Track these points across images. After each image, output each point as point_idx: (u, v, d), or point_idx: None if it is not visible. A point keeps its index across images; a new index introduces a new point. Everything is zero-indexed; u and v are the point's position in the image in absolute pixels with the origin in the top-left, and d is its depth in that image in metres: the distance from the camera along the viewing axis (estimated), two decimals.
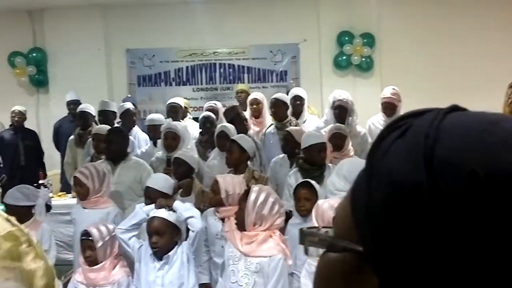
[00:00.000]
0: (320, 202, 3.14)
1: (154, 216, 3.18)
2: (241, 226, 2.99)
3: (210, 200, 3.79)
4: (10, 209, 3.80)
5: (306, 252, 0.55)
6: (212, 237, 3.79)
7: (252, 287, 2.90)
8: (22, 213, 3.85)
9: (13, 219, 0.75)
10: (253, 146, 4.55)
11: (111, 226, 3.34)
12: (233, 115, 5.44)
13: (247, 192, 3.03)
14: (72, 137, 6.07)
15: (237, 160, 4.32)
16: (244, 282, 2.91)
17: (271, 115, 5.78)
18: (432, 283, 0.46)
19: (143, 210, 3.31)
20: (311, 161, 4.29)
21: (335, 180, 3.62)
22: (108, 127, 5.30)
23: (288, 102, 5.63)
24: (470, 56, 7.95)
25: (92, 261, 3.21)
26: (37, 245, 0.75)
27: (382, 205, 0.49)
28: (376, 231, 0.49)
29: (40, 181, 6.11)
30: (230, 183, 3.68)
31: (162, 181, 3.92)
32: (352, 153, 4.82)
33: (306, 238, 0.56)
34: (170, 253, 3.16)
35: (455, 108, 0.54)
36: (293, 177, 4.30)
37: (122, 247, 3.29)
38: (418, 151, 0.49)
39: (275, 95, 5.71)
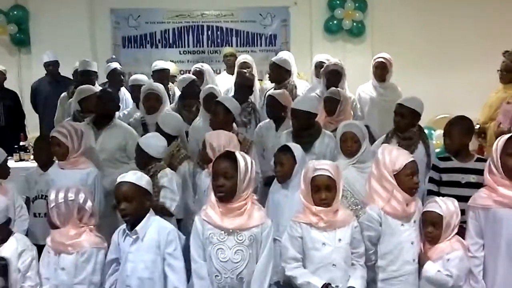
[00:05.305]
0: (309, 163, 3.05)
1: (122, 181, 2.94)
2: (228, 196, 2.77)
3: (200, 156, 3.86)
4: None
5: None
6: (201, 194, 3.75)
7: (247, 261, 2.78)
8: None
9: None
10: (238, 107, 4.42)
11: (72, 193, 3.00)
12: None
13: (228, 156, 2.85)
14: (64, 94, 5.94)
15: (222, 121, 4.17)
16: (239, 258, 2.76)
17: (269, 78, 5.71)
18: None
19: None
20: (298, 124, 4.20)
21: None
22: (93, 87, 5.19)
23: (287, 65, 5.53)
24: (466, 24, 7.78)
25: (49, 223, 3.04)
26: None
27: None
28: None
29: (21, 143, 5.99)
30: (216, 137, 3.70)
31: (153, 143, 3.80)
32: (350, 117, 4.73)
33: None
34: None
35: None
36: (284, 138, 4.21)
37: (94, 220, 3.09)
38: None
39: (273, 58, 5.71)
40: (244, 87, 5.16)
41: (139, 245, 2.91)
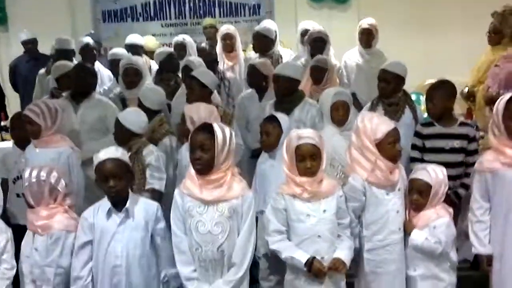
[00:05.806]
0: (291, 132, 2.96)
1: (107, 158, 2.82)
2: (206, 169, 2.70)
3: (179, 130, 3.80)
4: None
5: None
6: (183, 168, 3.62)
7: (228, 233, 2.71)
8: None
9: None
10: (215, 81, 4.29)
11: (44, 172, 2.90)
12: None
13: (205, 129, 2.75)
14: (42, 71, 5.79)
15: (199, 96, 4.03)
16: (219, 230, 2.69)
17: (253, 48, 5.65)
18: None
19: None
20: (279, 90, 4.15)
21: None
22: (70, 63, 5.05)
23: (271, 34, 5.50)
24: None
25: (26, 202, 2.95)
26: None
27: None
28: None
29: (2, 123, 5.87)
30: (196, 110, 3.61)
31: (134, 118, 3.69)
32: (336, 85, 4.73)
33: None
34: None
35: None
36: (268, 109, 4.15)
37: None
38: None
39: (256, 28, 5.67)
40: (208, 63, 4.95)
41: (129, 223, 2.83)
